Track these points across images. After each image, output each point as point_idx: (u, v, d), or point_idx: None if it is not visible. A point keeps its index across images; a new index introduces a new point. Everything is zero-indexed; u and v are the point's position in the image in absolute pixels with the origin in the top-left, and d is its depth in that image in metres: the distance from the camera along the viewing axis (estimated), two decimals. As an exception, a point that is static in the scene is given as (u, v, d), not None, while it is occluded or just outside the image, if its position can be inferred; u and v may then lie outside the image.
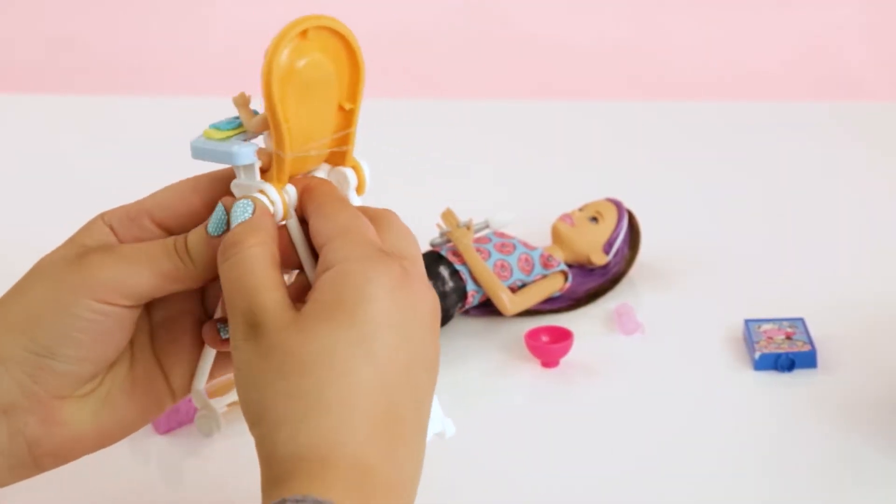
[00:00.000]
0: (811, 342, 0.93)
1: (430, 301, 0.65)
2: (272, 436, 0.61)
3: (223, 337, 0.69)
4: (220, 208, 0.67)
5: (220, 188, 0.69)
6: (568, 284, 1.01)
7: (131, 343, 0.70)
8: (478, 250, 0.99)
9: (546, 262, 1.00)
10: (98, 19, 2.59)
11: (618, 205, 1.05)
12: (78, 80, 2.44)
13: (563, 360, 0.94)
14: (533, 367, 0.94)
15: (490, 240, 1.01)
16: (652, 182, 1.23)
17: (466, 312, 1.00)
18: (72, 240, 0.69)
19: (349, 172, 0.70)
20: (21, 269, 1.08)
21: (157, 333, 0.70)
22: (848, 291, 1.02)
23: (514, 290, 0.99)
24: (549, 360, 0.94)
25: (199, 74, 2.46)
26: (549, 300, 1.01)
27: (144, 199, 0.70)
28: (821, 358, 0.93)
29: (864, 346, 0.95)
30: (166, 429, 0.87)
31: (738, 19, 2.52)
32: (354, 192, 0.70)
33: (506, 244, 1.00)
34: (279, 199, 0.67)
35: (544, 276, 1.00)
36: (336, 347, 0.61)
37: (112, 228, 0.69)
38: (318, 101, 0.68)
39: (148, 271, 0.67)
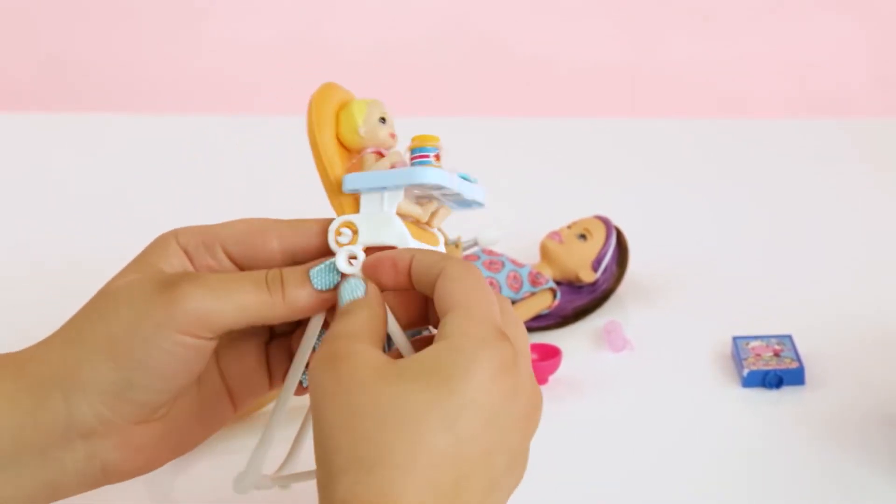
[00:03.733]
0: (799, 359, 0.94)
1: (529, 396, 0.64)
2: (334, 480, 0.60)
3: (305, 385, 0.69)
4: (331, 263, 0.67)
5: (299, 237, 0.69)
6: (556, 302, 1.01)
7: None
8: (466, 268, 0.99)
9: (534, 280, 1.01)
10: (90, 38, 2.59)
11: (606, 222, 1.05)
12: (70, 99, 2.44)
13: (551, 378, 0.94)
14: (521, 385, 0.94)
15: (478, 257, 1.01)
16: (640, 199, 1.23)
17: (455, 330, 1.00)
18: (145, 262, 0.68)
19: None
20: (15, 283, 1.09)
21: (223, 353, 0.70)
22: (836, 308, 1.02)
23: (502, 307, 0.99)
24: (538, 378, 0.93)
25: (192, 93, 2.46)
26: (537, 317, 1.01)
27: (217, 227, 0.69)
28: (809, 375, 0.93)
29: (851, 362, 0.95)
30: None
31: (725, 37, 2.53)
32: None
33: (494, 262, 1.00)
34: None
35: (533, 294, 1.01)
36: (419, 410, 0.60)
37: (187, 253, 0.68)
38: None
39: (233, 305, 0.66)
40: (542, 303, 1.01)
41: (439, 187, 0.69)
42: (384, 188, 0.68)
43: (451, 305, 0.64)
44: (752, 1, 2.59)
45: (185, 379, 0.67)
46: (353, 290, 0.66)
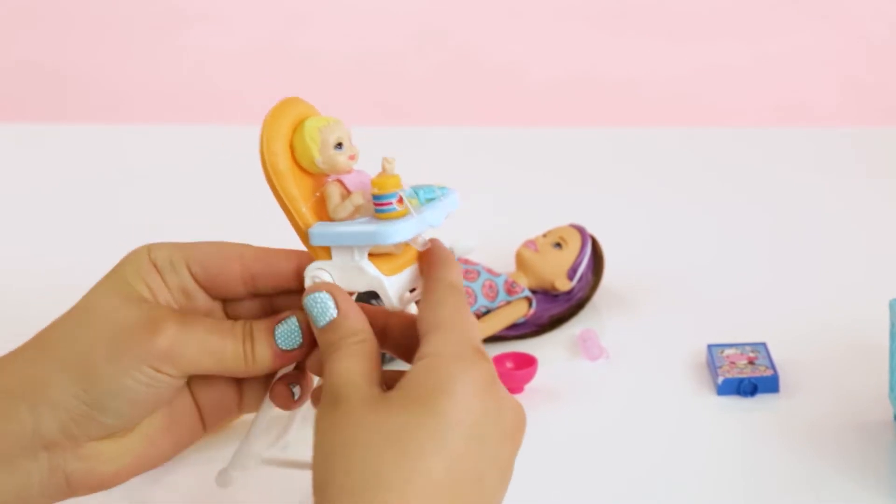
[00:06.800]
0: (773, 367, 0.94)
1: (514, 409, 0.64)
2: None
3: (296, 398, 0.70)
4: (293, 322, 0.68)
5: (263, 265, 0.69)
6: (532, 310, 1.01)
7: None
8: (442, 277, 0.99)
9: (510, 289, 1.01)
10: (72, 49, 2.59)
11: (581, 231, 1.05)
12: (52, 109, 2.43)
13: (527, 387, 0.95)
14: (497, 394, 0.94)
15: (454, 266, 1.01)
16: (615, 208, 1.23)
17: (431, 339, 1.00)
18: (121, 278, 0.68)
19: None
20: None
21: (194, 376, 0.71)
22: (809, 316, 1.03)
23: (478, 316, 1.00)
24: (513, 387, 0.94)
25: (173, 103, 2.46)
26: (513, 326, 1.01)
27: (188, 246, 0.69)
28: (783, 382, 0.94)
29: (825, 370, 0.95)
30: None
31: (695, 47, 2.54)
32: None
33: (470, 271, 1.01)
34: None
35: (508, 303, 1.01)
36: (407, 434, 0.61)
37: (157, 268, 0.68)
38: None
39: (211, 359, 0.67)
40: (518, 311, 1.01)
41: None
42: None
43: (429, 327, 0.65)
44: (724, 12, 2.60)
45: (156, 406, 0.68)
46: (324, 309, 0.66)
